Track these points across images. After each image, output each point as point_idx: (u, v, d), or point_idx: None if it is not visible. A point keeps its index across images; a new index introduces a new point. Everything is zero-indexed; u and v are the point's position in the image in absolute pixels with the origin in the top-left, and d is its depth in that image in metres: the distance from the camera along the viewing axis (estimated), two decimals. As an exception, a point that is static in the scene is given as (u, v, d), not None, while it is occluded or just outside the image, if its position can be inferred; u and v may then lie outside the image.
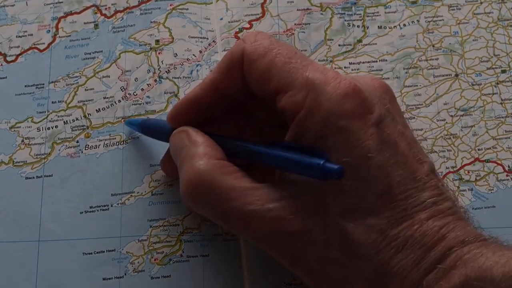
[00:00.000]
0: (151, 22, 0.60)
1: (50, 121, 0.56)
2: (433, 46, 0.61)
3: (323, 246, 0.43)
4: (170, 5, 0.61)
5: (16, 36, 0.59)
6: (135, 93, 0.58)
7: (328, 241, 0.43)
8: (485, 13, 0.63)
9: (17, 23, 0.60)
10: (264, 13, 0.61)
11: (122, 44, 0.59)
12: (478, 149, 0.58)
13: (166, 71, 0.58)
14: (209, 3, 0.61)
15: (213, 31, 0.60)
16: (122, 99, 0.57)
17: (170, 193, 0.55)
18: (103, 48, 0.59)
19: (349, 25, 0.62)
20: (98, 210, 0.54)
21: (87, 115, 0.57)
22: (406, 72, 0.60)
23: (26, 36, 0.59)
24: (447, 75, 0.60)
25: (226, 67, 0.49)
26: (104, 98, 0.57)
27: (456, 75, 0.60)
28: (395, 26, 0.62)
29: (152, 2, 0.61)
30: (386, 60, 0.61)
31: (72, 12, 0.60)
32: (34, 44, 0.59)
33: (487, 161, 0.58)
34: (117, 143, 0.56)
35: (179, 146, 0.49)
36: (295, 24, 0.61)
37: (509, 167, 0.58)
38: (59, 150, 0.56)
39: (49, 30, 0.60)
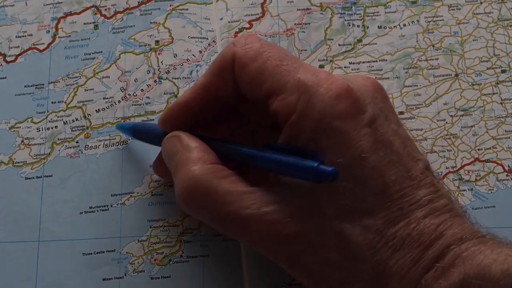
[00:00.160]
0: (151, 23, 0.60)
1: (49, 121, 0.56)
2: (433, 46, 0.61)
3: (320, 248, 0.43)
4: (170, 5, 0.61)
5: (16, 36, 0.59)
6: (135, 94, 0.58)
7: (325, 243, 0.43)
8: (485, 13, 0.63)
9: (17, 23, 0.60)
10: (264, 13, 0.61)
11: (122, 44, 0.59)
12: (478, 149, 0.58)
13: (166, 72, 0.58)
14: (209, 3, 0.61)
15: (213, 31, 0.60)
16: (122, 99, 0.57)
17: (170, 194, 0.55)
18: (103, 48, 0.59)
19: (349, 25, 0.62)
20: (98, 211, 0.54)
21: (87, 116, 0.57)
22: (406, 72, 0.60)
23: (25, 36, 0.59)
24: (447, 75, 0.60)
25: (217, 70, 0.49)
26: (104, 98, 0.57)
27: (456, 75, 0.60)
28: (395, 26, 0.62)
29: (152, 3, 0.61)
30: (386, 60, 0.61)
31: (72, 12, 0.60)
32: (33, 45, 0.59)
33: (487, 161, 0.58)
34: (117, 144, 0.56)
35: (171, 151, 0.48)
36: (295, 24, 0.61)
37: (509, 167, 0.58)
38: (59, 150, 0.56)
39: (49, 31, 0.60)
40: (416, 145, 0.48)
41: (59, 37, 0.59)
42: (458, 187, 0.57)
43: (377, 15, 0.62)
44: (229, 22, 0.61)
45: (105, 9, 0.60)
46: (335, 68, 0.60)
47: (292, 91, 0.44)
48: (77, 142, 0.56)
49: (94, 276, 0.52)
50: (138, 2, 0.61)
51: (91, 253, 0.53)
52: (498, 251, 0.40)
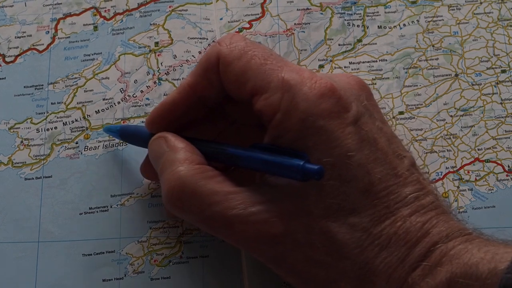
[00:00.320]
0: (151, 24, 0.60)
1: (49, 122, 0.56)
2: (433, 46, 0.61)
3: (307, 247, 0.43)
4: (169, 6, 0.61)
5: (15, 37, 0.59)
6: (134, 95, 0.57)
7: (312, 242, 0.43)
8: (485, 13, 0.62)
9: (16, 24, 0.60)
10: (264, 13, 0.61)
11: (121, 46, 0.59)
12: (478, 149, 0.58)
13: (165, 73, 0.58)
14: (208, 3, 0.61)
15: (212, 31, 0.60)
16: (122, 100, 0.57)
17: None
18: (102, 50, 0.59)
19: (349, 25, 0.62)
20: (97, 211, 0.54)
21: (86, 117, 0.57)
22: (406, 72, 0.60)
23: (25, 37, 0.59)
24: (447, 75, 0.60)
25: (202, 70, 0.49)
26: (104, 99, 0.57)
27: (456, 75, 0.60)
28: (395, 26, 0.62)
29: (151, 5, 0.61)
30: (386, 60, 0.61)
31: (71, 13, 0.60)
32: (33, 45, 0.59)
33: (487, 161, 0.58)
34: (117, 145, 0.56)
35: (158, 152, 0.48)
36: (295, 24, 0.61)
37: (509, 167, 0.58)
38: (59, 151, 0.55)
39: (48, 31, 0.59)
40: (401, 142, 0.48)
41: (58, 38, 0.59)
42: (458, 187, 0.57)
43: (377, 15, 0.62)
44: (229, 22, 0.61)
45: (105, 11, 0.60)
46: (335, 68, 0.60)
47: (276, 90, 0.45)
48: (76, 143, 0.56)
49: (94, 276, 0.52)
50: (138, 3, 0.61)
51: (90, 254, 0.53)
52: (485, 249, 0.40)
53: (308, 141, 0.43)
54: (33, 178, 0.55)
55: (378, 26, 0.62)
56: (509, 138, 0.59)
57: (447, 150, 0.58)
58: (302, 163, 0.41)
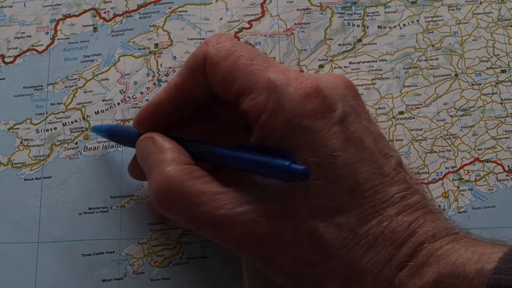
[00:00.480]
0: (150, 26, 0.60)
1: (49, 122, 0.56)
2: (433, 46, 0.61)
3: (294, 247, 0.43)
4: (169, 8, 0.61)
5: (15, 38, 0.59)
6: (134, 96, 0.57)
7: (298, 242, 0.43)
8: (485, 13, 0.62)
9: (15, 24, 0.60)
10: (264, 13, 0.61)
11: (121, 47, 0.59)
12: (478, 149, 0.58)
13: (165, 75, 0.58)
14: (208, 4, 0.61)
15: (212, 31, 0.60)
16: (121, 102, 0.57)
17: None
18: (102, 51, 0.59)
19: (349, 25, 0.62)
20: (97, 212, 0.54)
21: (86, 117, 0.57)
22: (406, 72, 0.60)
23: (24, 37, 0.59)
24: (447, 75, 0.60)
25: (189, 70, 0.49)
26: (103, 100, 0.57)
27: (456, 75, 0.60)
28: (395, 26, 0.62)
29: (151, 6, 0.61)
30: (386, 60, 0.61)
31: (71, 14, 0.60)
32: (32, 46, 0.59)
33: (487, 161, 0.58)
34: (116, 146, 0.56)
35: (145, 153, 0.48)
36: (294, 23, 0.61)
37: (509, 167, 0.58)
38: (58, 151, 0.55)
39: (48, 32, 0.59)
40: (388, 141, 0.48)
41: (58, 38, 0.59)
42: (458, 187, 0.57)
43: (377, 15, 0.62)
44: (228, 22, 0.61)
45: (104, 12, 0.60)
46: (335, 68, 0.60)
47: (262, 91, 0.45)
48: (76, 143, 0.56)
49: (94, 277, 0.52)
50: (137, 5, 0.60)
51: (90, 254, 0.53)
52: (472, 249, 0.40)
53: (293, 141, 0.44)
54: (32, 179, 0.55)
55: (378, 26, 0.62)
56: (509, 138, 0.59)
57: (447, 150, 0.58)
58: (287, 163, 0.42)
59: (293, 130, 0.43)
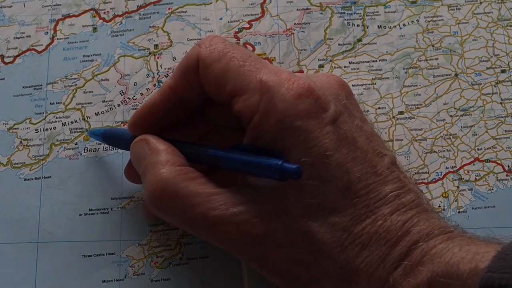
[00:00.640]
0: (150, 26, 0.60)
1: (48, 122, 0.56)
2: (433, 46, 0.61)
3: (288, 247, 0.44)
4: (169, 8, 0.60)
5: (14, 38, 0.59)
6: (134, 98, 0.57)
7: (293, 242, 0.44)
8: (485, 13, 0.62)
9: (15, 24, 0.60)
10: (264, 13, 0.61)
11: (121, 48, 0.59)
12: (478, 149, 0.58)
13: (165, 76, 0.58)
14: (208, 4, 0.61)
15: (212, 31, 0.60)
16: (122, 103, 0.57)
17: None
18: (101, 51, 0.59)
19: (349, 25, 0.62)
20: (97, 213, 0.54)
21: (86, 118, 0.56)
22: (405, 72, 0.60)
23: (24, 37, 0.59)
24: (446, 75, 0.60)
25: (182, 72, 0.49)
26: (103, 101, 0.57)
27: (456, 75, 0.60)
28: (395, 26, 0.62)
29: (150, 7, 0.60)
30: (386, 60, 0.61)
31: (71, 15, 0.60)
32: (32, 46, 0.59)
33: (487, 161, 0.58)
34: (117, 147, 0.55)
35: (140, 154, 0.49)
36: (294, 23, 0.61)
37: (508, 167, 0.58)
38: (58, 151, 0.55)
39: (47, 32, 0.59)
40: (382, 140, 0.48)
41: (57, 38, 0.59)
42: (458, 187, 0.57)
43: (377, 15, 0.62)
44: (228, 22, 0.61)
45: (104, 12, 0.60)
46: (334, 67, 0.60)
47: (254, 92, 0.45)
48: (76, 144, 0.56)
49: (94, 278, 0.52)
50: (137, 6, 0.60)
51: (90, 255, 0.53)
52: (466, 248, 0.40)
53: (286, 142, 0.44)
54: (32, 179, 0.55)
55: (378, 26, 0.62)
56: (509, 138, 0.59)
57: (447, 150, 0.58)
58: (280, 162, 0.42)
59: (285, 130, 0.44)
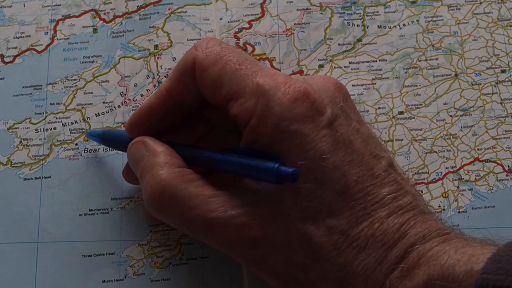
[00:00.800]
0: (150, 27, 0.60)
1: (48, 122, 0.56)
2: (433, 46, 0.61)
3: (286, 249, 0.44)
4: (169, 9, 0.60)
5: (14, 37, 0.59)
6: (134, 99, 0.57)
7: (290, 244, 0.44)
8: (485, 13, 0.62)
9: (15, 24, 0.60)
10: (264, 13, 0.61)
11: (121, 49, 0.59)
12: (478, 149, 0.58)
13: (165, 76, 0.58)
14: (208, 4, 0.61)
15: (212, 31, 0.60)
16: (122, 104, 0.57)
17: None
18: (102, 52, 0.59)
19: (349, 25, 0.62)
20: (97, 213, 0.54)
21: (86, 119, 0.57)
22: (405, 72, 0.60)
23: (23, 37, 0.59)
24: (446, 75, 0.60)
25: (179, 75, 0.49)
26: (104, 102, 0.57)
27: (456, 75, 0.60)
28: (395, 26, 0.62)
29: (150, 7, 0.60)
30: (386, 60, 0.61)
31: (71, 15, 0.60)
32: (32, 46, 0.59)
33: (487, 161, 0.58)
34: (114, 149, 0.55)
35: (137, 156, 0.49)
36: (294, 24, 0.61)
37: (508, 167, 0.58)
38: (58, 152, 0.55)
39: (47, 32, 0.59)
40: (379, 142, 0.48)
41: (57, 39, 0.59)
42: (458, 187, 0.57)
43: (377, 15, 0.62)
44: (228, 22, 0.61)
45: (104, 13, 0.60)
46: (334, 67, 0.60)
47: (250, 96, 0.45)
48: (76, 144, 0.56)
49: (94, 278, 0.52)
50: (137, 6, 0.60)
51: (90, 255, 0.53)
52: (462, 251, 0.41)
53: (283, 145, 0.44)
54: (32, 178, 0.55)
55: (378, 26, 0.62)
56: (509, 138, 0.59)
57: (447, 150, 0.58)
58: (276, 165, 0.42)
59: (282, 134, 0.44)
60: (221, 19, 0.61)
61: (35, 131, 0.56)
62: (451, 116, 0.59)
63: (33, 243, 0.53)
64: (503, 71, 0.61)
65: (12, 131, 0.56)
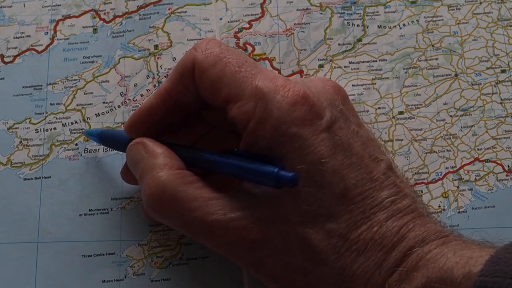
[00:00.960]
0: (150, 27, 0.60)
1: (48, 122, 0.56)
2: (433, 46, 0.61)
3: (285, 253, 0.44)
4: (169, 9, 0.60)
5: (14, 37, 0.59)
6: (134, 99, 0.57)
7: (289, 248, 0.44)
8: (485, 13, 0.62)
9: (15, 24, 0.60)
10: (264, 13, 0.61)
11: (121, 49, 0.59)
12: (478, 149, 0.58)
13: (165, 76, 0.58)
14: (208, 4, 0.61)
15: (212, 31, 0.60)
16: (122, 104, 0.57)
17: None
18: (102, 52, 0.59)
19: (349, 25, 0.62)
20: (97, 213, 0.54)
21: (86, 119, 0.57)
22: (405, 72, 0.60)
23: (23, 37, 0.59)
24: (446, 75, 0.60)
25: (178, 76, 0.49)
26: (104, 103, 0.57)
27: (456, 75, 0.60)
28: (395, 26, 0.62)
29: (150, 7, 0.60)
30: (386, 60, 0.61)
31: (71, 15, 0.60)
32: (32, 46, 0.59)
33: (487, 161, 0.58)
34: (113, 149, 0.55)
35: (136, 157, 0.49)
36: (294, 24, 0.61)
37: (508, 167, 0.58)
38: (58, 152, 0.55)
39: (47, 32, 0.59)
40: (378, 145, 0.48)
41: (57, 39, 0.59)
42: (458, 187, 0.57)
43: (377, 15, 0.62)
44: (228, 22, 0.61)
45: (104, 13, 0.60)
46: (334, 67, 0.60)
47: (249, 98, 0.45)
48: (76, 144, 0.56)
49: (94, 277, 0.52)
50: (137, 6, 0.60)
51: (90, 255, 0.53)
52: (460, 253, 0.41)
53: (282, 148, 0.44)
54: (32, 178, 0.55)
55: (378, 25, 0.62)
56: (509, 138, 0.59)
57: (447, 150, 0.58)
58: (276, 170, 0.42)
59: (281, 137, 0.44)
60: (221, 19, 0.61)
61: (35, 131, 0.56)
62: (451, 116, 0.59)
63: (33, 243, 0.53)
64: (503, 71, 0.61)
65: (12, 131, 0.56)
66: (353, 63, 0.61)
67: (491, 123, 0.59)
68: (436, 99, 0.59)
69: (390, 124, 0.58)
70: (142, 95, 0.57)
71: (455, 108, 0.59)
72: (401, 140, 0.58)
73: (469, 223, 0.56)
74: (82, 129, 0.56)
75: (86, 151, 0.55)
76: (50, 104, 0.57)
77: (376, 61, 0.61)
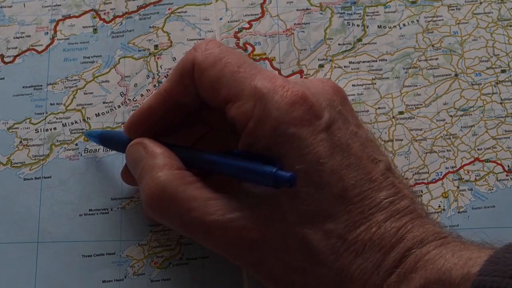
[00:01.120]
0: (150, 27, 0.60)
1: (48, 122, 0.56)
2: (433, 46, 0.61)
3: (284, 253, 0.44)
4: (169, 9, 0.60)
5: (14, 37, 0.59)
6: (134, 99, 0.57)
7: (288, 248, 0.44)
8: (485, 13, 0.62)
9: (15, 24, 0.60)
10: (264, 13, 0.61)
11: (121, 49, 0.59)
12: (478, 149, 0.58)
13: (165, 76, 0.58)
14: (208, 4, 0.61)
15: (212, 31, 0.60)
16: (122, 104, 0.57)
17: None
18: (102, 52, 0.59)
19: (349, 24, 0.62)
20: (98, 213, 0.54)
21: (86, 119, 0.57)
22: (405, 72, 0.60)
23: (23, 37, 0.59)
24: (446, 75, 0.60)
25: (178, 76, 0.49)
26: (104, 103, 0.57)
27: (456, 75, 0.60)
28: (395, 26, 0.62)
29: (150, 7, 0.60)
30: (386, 60, 0.61)
31: (71, 15, 0.60)
32: (32, 46, 0.59)
33: (487, 161, 0.58)
34: (113, 150, 0.55)
35: (136, 158, 0.49)
36: (294, 24, 0.61)
37: (508, 167, 0.58)
38: (58, 152, 0.55)
39: (47, 32, 0.59)
40: (377, 145, 0.48)
41: (57, 39, 0.59)
42: (458, 187, 0.57)
43: (377, 15, 0.62)
44: (228, 22, 0.61)
45: (104, 13, 0.60)
46: (334, 67, 0.60)
47: (248, 99, 0.45)
48: (76, 144, 0.56)
49: (94, 277, 0.52)
50: (137, 6, 0.60)
51: (90, 255, 0.53)
52: (458, 254, 0.40)
53: (280, 149, 0.44)
54: (32, 178, 0.55)
55: (378, 25, 0.62)
56: (509, 138, 0.59)
57: (447, 150, 0.58)
58: (274, 170, 0.42)
59: (279, 137, 0.44)
60: (221, 19, 0.61)
61: (35, 131, 0.56)
62: (451, 116, 0.59)
63: (33, 243, 0.53)
64: (503, 71, 0.61)
65: (12, 131, 0.56)
66: (353, 63, 0.61)
67: (491, 123, 0.59)
68: (436, 99, 0.59)
69: (390, 124, 0.58)
70: (142, 95, 0.57)
71: (455, 108, 0.59)
72: (401, 140, 0.58)
73: (469, 223, 0.56)
74: (82, 129, 0.56)
75: (86, 151, 0.56)
76: (50, 104, 0.57)
77: (376, 61, 0.61)
